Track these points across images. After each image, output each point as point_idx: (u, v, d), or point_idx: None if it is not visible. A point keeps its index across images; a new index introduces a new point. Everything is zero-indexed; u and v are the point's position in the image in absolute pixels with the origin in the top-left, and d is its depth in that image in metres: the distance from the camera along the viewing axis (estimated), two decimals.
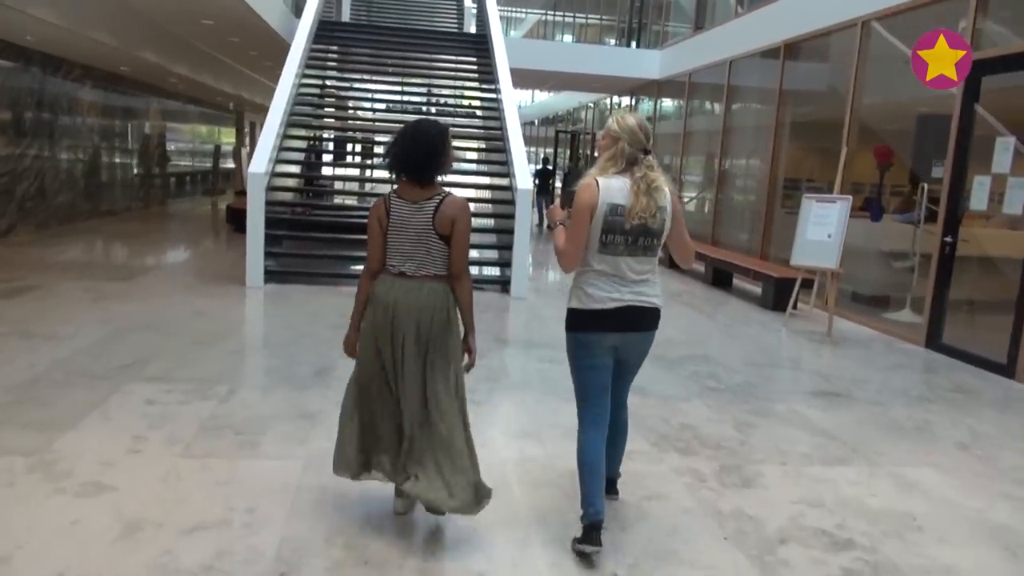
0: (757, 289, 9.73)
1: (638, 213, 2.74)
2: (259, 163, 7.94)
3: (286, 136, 9.41)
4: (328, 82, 12.19)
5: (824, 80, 9.76)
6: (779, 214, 10.46)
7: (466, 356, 2.98)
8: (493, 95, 11.24)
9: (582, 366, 2.95)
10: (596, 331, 2.87)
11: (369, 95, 12.65)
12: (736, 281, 10.28)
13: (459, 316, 2.95)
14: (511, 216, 8.46)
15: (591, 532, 2.82)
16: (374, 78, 12.68)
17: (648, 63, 15.00)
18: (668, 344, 6.51)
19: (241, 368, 5.13)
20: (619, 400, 3.14)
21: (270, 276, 8.21)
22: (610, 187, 2.77)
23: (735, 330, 7.33)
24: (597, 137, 3.75)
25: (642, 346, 3.01)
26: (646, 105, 16.69)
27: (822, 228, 7.43)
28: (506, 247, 8.74)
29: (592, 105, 21.58)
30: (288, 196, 9.82)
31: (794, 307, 7.97)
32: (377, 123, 12.24)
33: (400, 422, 2.93)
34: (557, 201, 3.30)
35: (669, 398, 4.97)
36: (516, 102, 9.80)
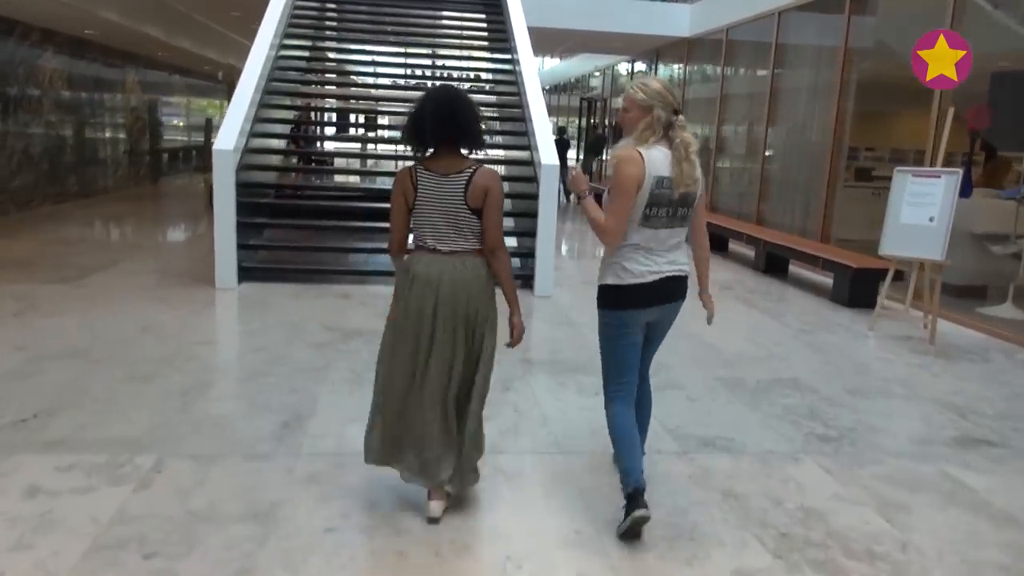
0: (821, 278, 8.31)
1: (684, 181, 2.68)
2: (227, 138, 6.54)
3: (266, 106, 7.98)
4: (316, 44, 10.69)
5: (901, 34, 8.24)
6: (843, 190, 9.00)
7: (510, 334, 2.86)
8: (507, 56, 9.77)
9: (618, 346, 2.86)
10: (636, 307, 2.79)
11: (364, 61, 11.16)
12: (793, 267, 8.87)
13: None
14: (533, 196, 7.05)
15: (637, 497, 2.70)
16: (368, 41, 11.18)
17: (677, 19, 13.40)
18: (741, 361, 5.14)
19: (179, 422, 3.73)
20: (644, 373, 3.10)
21: (246, 274, 6.85)
22: (654, 159, 2.67)
23: (815, 338, 5.94)
24: (615, 107, 3.50)
25: (673, 316, 2.96)
26: (666, 70, 15.12)
27: (921, 210, 5.99)
28: (527, 233, 7.34)
29: (599, 73, 20.05)
30: (271, 177, 8.42)
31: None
32: (376, 92, 10.76)
33: (432, 409, 2.76)
34: (577, 168, 3.05)
35: (770, 457, 3.61)
36: (536, 65, 8.32)
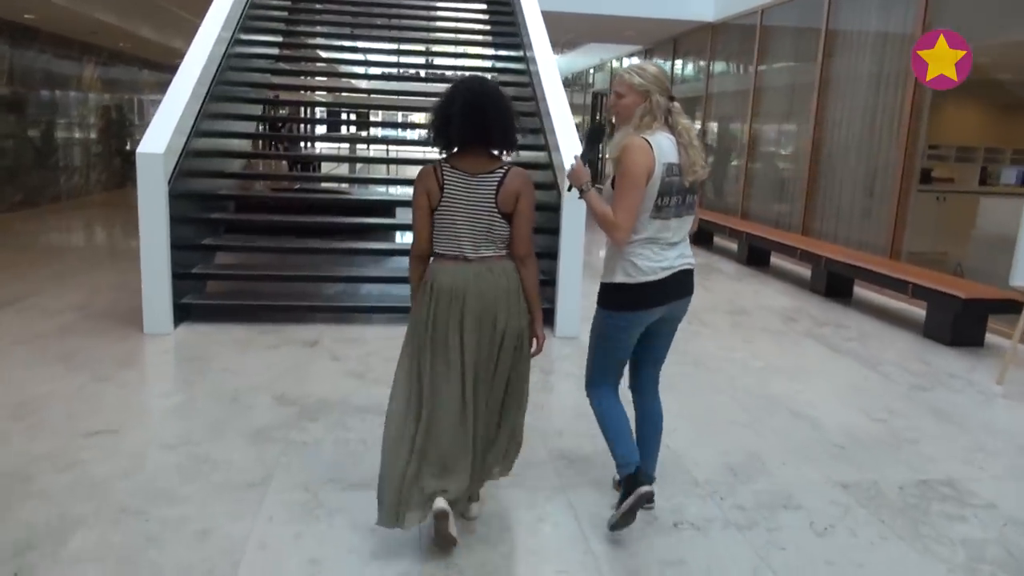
0: (898, 305, 6.84)
1: (692, 168, 2.56)
2: (156, 139, 5.02)
3: (223, 99, 6.45)
4: (291, 30, 9.16)
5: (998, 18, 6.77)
6: (917, 197, 7.53)
7: (533, 343, 2.68)
8: (515, 40, 8.27)
9: (617, 347, 2.70)
10: (645, 307, 2.61)
11: (344, 47, 9.65)
12: (857, 289, 7.39)
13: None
14: (552, 208, 5.57)
15: (636, 479, 2.59)
16: (350, 25, 9.68)
17: (699, 3, 11.91)
18: (860, 445, 3.69)
19: None
20: (653, 387, 2.91)
21: (187, 314, 5.36)
22: (662, 146, 2.52)
23: (937, 399, 4.45)
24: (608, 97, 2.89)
25: (681, 313, 2.79)
26: (686, 62, 13.64)
27: None
28: (546, 254, 5.84)
29: (594, 69, 18.64)
30: (230, 186, 6.89)
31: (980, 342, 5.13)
32: (360, 87, 9.24)
33: (466, 434, 2.52)
34: (576, 159, 2.68)
35: None
36: (553, 59, 6.82)
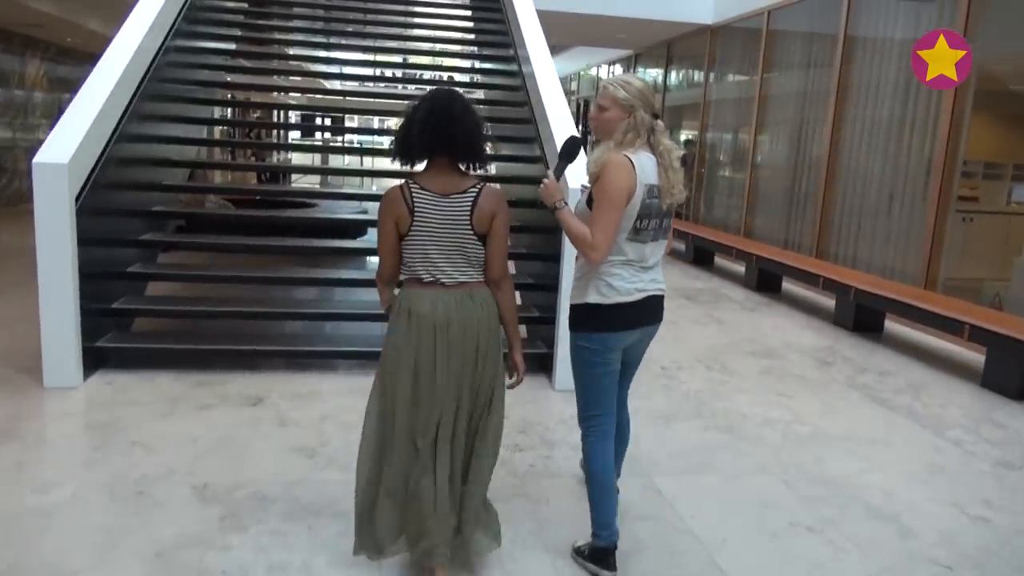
0: (939, 344, 6.01)
1: (670, 191, 2.47)
2: (58, 146, 4.01)
3: (154, 98, 5.45)
4: (252, 22, 8.16)
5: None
6: (955, 220, 6.72)
7: (514, 374, 2.54)
8: (506, 52, 7.36)
9: (596, 373, 2.56)
10: (619, 329, 2.52)
11: (317, 51, 8.68)
12: (888, 321, 6.55)
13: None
14: (549, 230, 4.65)
15: (607, 556, 2.54)
16: (312, 19, 8.71)
17: (697, 4, 11.10)
18: (968, 560, 2.83)
19: None
20: (623, 399, 2.86)
21: (102, 360, 4.36)
22: (644, 166, 2.42)
23: None
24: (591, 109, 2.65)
25: (649, 340, 2.71)
26: (680, 66, 12.83)
27: None
28: (543, 286, 4.91)
29: (578, 76, 17.85)
30: (168, 201, 5.87)
31: None
32: (340, 94, 8.29)
33: (444, 471, 2.35)
34: (550, 175, 2.55)
35: None
36: (548, 59, 5.91)
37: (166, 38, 5.51)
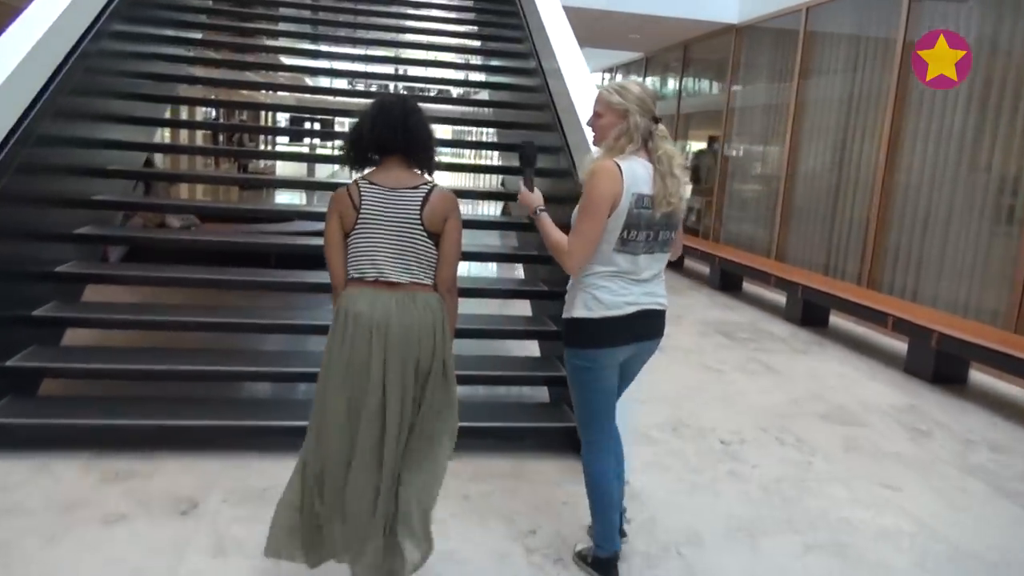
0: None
1: (667, 200, 2.29)
2: None
3: (81, 93, 4.34)
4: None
5: None
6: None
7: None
8: (519, 47, 6.29)
9: (591, 389, 2.47)
10: (609, 345, 2.39)
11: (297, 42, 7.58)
12: (974, 372, 5.51)
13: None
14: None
15: (610, 567, 2.53)
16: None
17: (719, 1, 10.07)
18: None
19: None
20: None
21: None
22: (634, 173, 2.29)
23: None
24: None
25: (647, 356, 2.58)
26: (697, 71, 11.80)
27: None
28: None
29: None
30: (89, 223, 4.75)
31: None
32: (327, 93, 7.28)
33: (376, 483, 2.21)
34: (521, 186, 2.55)
35: None
36: (577, 53, 4.81)
37: (98, 19, 4.38)
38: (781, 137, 9.00)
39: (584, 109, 4.10)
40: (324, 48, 9.59)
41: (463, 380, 2.64)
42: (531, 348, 4.68)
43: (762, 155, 9.58)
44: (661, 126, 2.37)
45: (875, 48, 7.44)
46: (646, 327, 2.44)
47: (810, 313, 7.03)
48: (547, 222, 2.42)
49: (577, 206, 2.34)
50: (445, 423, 2.31)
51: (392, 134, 2.23)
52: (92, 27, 4.30)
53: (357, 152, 2.29)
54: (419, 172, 2.31)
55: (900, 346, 6.01)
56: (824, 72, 8.31)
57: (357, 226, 2.22)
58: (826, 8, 8.23)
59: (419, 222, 2.20)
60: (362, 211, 2.21)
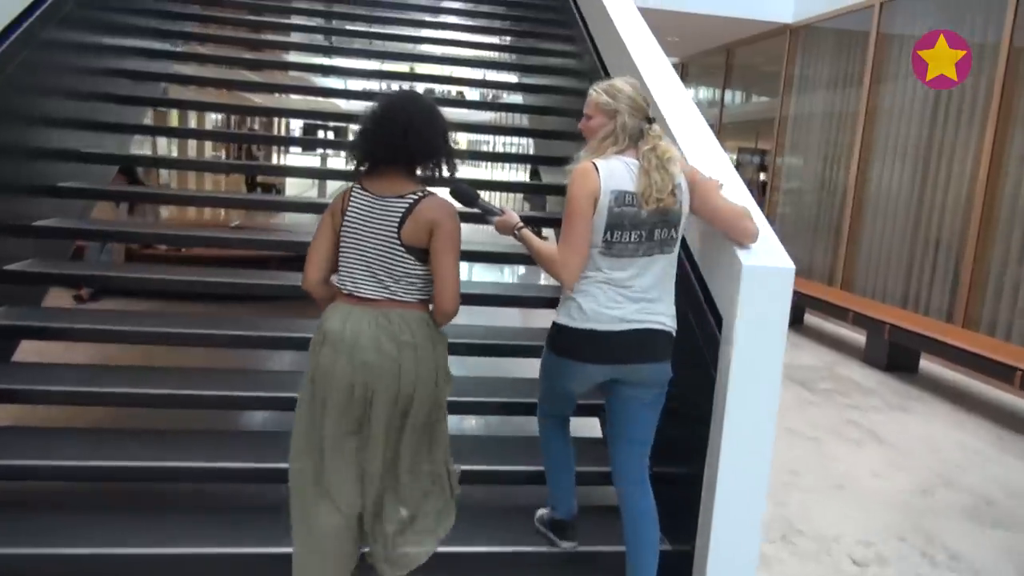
0: None
1: (654, 195, 2.14)
2: None
3: (29, 91, 3.40)
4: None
5: None
6: None
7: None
8: (569, 47, 5.33)
9: (552, 388, 2.41)
10: (584, 359, 2.23)
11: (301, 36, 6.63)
12: None
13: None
14: (695, 365, 2.54)
15: (565, 528, 2.56)
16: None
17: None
18: None
19: None
20: (637, 473, 2.36)
21: None
22: (612, 170, 2.18)
23: None
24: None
25: (650, 384, 2.28)
26: (743, 76, 10.83)
27: None
28: (673, 454, 2.79)
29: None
30: (32, 254, 3.80)
31: None
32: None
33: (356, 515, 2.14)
34: (492, 217, 2.41)
35: None
36: (657, 52, 3.83)
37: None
38: (847, 150, 8.01)
39: (676, 117, 3.16)
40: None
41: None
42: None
43: (822, 169, 8.57)
44: (655, 126, 2.25)
45: (971, 52, 6.44)
46: (637, 349, 2.22)
47: (898, 357, 6.03)
48: (531, 237, 2.33)
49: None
50: (429, 497, 2.19)
51: (390, 151, 2.08)
52: (29, 12, 3.34)
53: (354, 152, 2.14)
54: (425, 176, 2.16)
55: (1014, 401, 5.01)
56: (902, 77, 7.31)
57: (341, 234, 2.13)
58: (904, 5, 7.25)
59: (395, 236, 2.06)
60: (345, 219, 2.12)
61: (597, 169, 2.18)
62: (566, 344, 2.25)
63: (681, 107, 3.23)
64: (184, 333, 3.19)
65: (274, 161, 17.14)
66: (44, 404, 3.00)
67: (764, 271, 2.31)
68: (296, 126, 19.19)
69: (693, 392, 2.58)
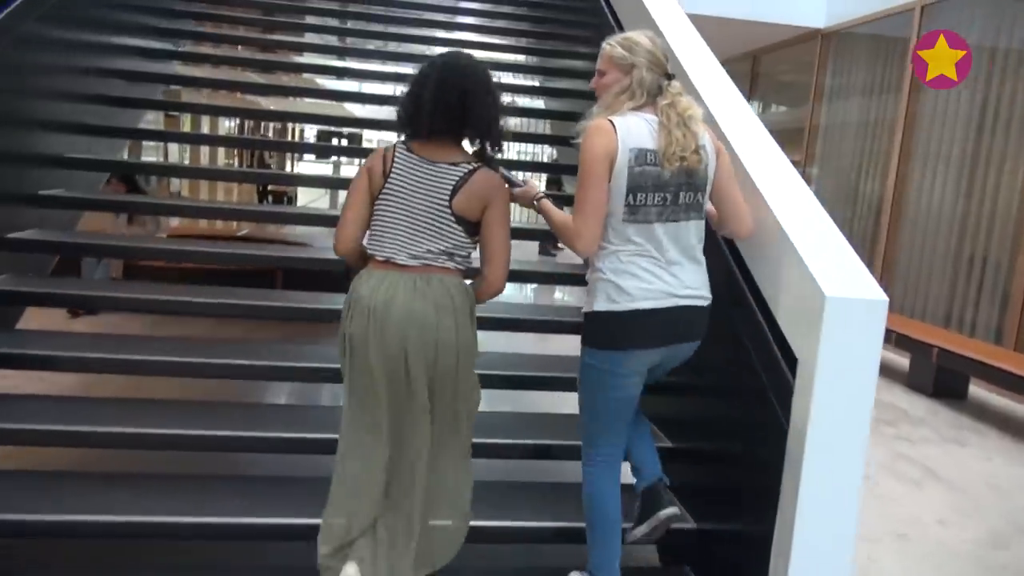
0: None
1: (676, 153, 1.95)
2: None
3: None
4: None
5: None
6: None
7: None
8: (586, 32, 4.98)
9: (609, 399, 2.09)
10: (637, 346, 2.01)
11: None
12: None
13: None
14: (759, 408, 2.19)
15: None
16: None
17: (801, 2, 8.72)
18: None
19: None
20: (644, 452, 2.28)
21: None
22: (630, 127, 1.98)
23: None
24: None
25: (677, 362, 2.14)
26: (770, 87, 10.45)
27: None
28: (754, 498, 2.42)
29: None
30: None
31: None
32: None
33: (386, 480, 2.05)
34: (511, 186, 2.20)
35: None
36: (683, 21, 3.51)
37: None
38: (884, 159, 7.60)
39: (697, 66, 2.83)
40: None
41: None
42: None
43: (856, 180, 8.16)
44: (675, 82, 2.06)
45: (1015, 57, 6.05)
46: (685, 326, 2.05)
47: (945, 381, 5.62)
48: (549, 206, 2.17)
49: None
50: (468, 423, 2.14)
51: (445, 122, 2.02)
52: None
53: (409, 127, 2.06)
54: (473, 151, 2.10)
55: None
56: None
57: (381, 196, 2.02)
58: (947, 8, 6.85)
59: (446, 205, 1.98)
60: (389, 181, 2.02)
61: (614, 126, 1.97)
62: (611, 333, 2.01)
63: (707, 67, 2.94)
64: (172, 362, 2.84)
65: (287, 169, 16.85)
66: (11, 444, 2.65)
67: (852, 304, 1.93)
68: (311, 133, 18.89)
69: (756, 441, 2.21)
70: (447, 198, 1.99)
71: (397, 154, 2.04)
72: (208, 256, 3.55)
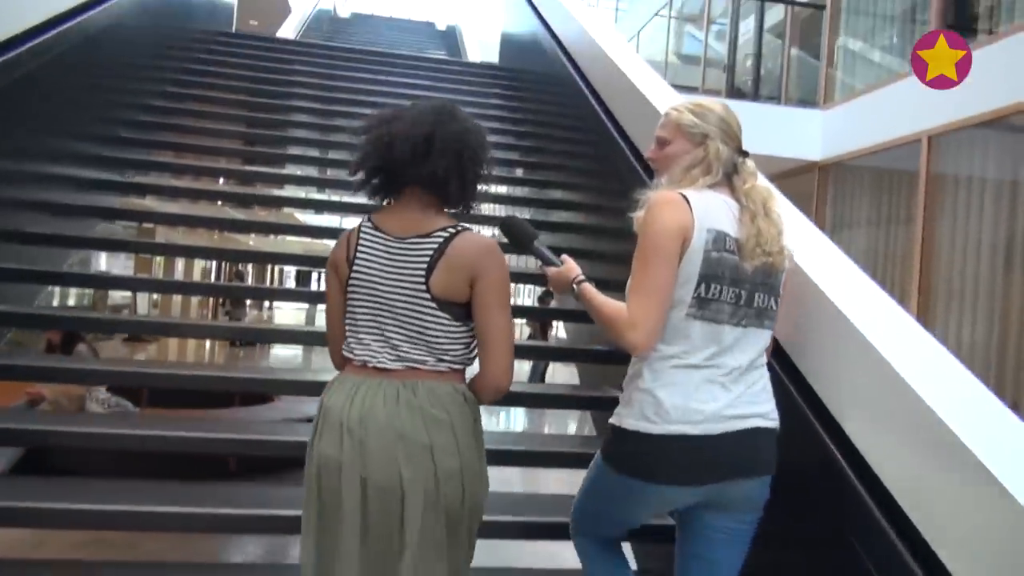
0: None
1: (762, 247, 1.65)
2: None
3: None
4: None
5: None
6: None
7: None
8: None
9: (611, 512, 1.81)
10: (670, 482, 1.63)
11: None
12: None
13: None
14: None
15: None
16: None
17: (797, 132, 8.53)
18: None
19: None
20: None
21: None
22: (708, 206, 1.67)
23: None
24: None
25: (745, 509, 1.69)
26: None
27: None
28: None
29: None
30: None
31: None
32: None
33: None
34: (541, 265, 1.89)
35: None
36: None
37: None
38: (900, 294, 7.11)
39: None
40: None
41: None
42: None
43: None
44: (750, 161, 1.77)
45: None
46: (744, 457, 1.62)
47: None
48: (592, 292, 1.75)
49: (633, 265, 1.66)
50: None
51: (408, 160, 1.63)
52: None
53: (364, 180, 1.71)
54: (452, 210, 1.73)
55: None
56: (960, 214, 6.51)
57: (348, 288, 1.70)
58: (963, 136, 6.51)
59: (422, 287, 1.62)
60: (354, 268, 1.68)
61: (687, 200, 1.66)
62: (640, 458, 1.64)
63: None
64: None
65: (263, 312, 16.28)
66: None
67: None
68: (291, 270, 18.56)
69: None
70: (422, 279, 1.63)
71: (362, 233, 1.71)
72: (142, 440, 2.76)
